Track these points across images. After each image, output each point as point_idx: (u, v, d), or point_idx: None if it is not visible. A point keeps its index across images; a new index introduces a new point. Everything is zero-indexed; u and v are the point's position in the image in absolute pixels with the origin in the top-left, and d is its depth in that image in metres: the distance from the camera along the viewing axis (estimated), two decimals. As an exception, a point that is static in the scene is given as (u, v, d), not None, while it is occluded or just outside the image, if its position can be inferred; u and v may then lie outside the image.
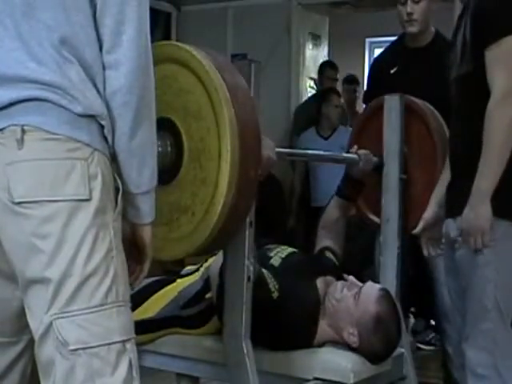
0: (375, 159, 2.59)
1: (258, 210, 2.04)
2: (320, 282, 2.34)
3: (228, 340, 2.07)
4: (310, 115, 5.63)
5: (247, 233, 2.03)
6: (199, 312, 2.33)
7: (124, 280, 1.50)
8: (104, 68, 1.48)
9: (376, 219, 2.70)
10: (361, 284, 2.30)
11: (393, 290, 2.52)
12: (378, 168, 2.60)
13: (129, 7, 1.47)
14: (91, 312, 1.43)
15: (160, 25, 6.03)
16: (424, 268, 3.10)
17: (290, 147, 5.36)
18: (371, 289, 2.29)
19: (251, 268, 2.03)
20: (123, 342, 1.46)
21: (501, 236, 2.15)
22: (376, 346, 2.23)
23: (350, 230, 2.74)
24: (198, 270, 2.42)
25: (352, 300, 2.25)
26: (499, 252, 2.17)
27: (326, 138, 5.41)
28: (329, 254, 2.58)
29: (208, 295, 2.31)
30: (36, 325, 1.45)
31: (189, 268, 2.47)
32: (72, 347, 1.42)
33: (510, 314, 2.23)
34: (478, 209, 2.13)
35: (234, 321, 2.04)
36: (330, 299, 2.29)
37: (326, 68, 6.11)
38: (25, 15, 1.45)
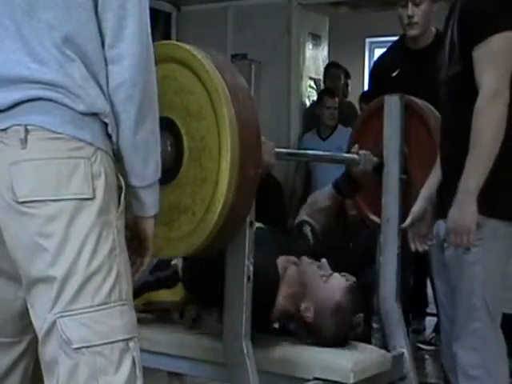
0: (375, 159, 2.59)
1: (258, 210, 2.04)
2: (282, 260, 2.35)
3: (228, 340, 2.07)
4: (312, 117, 5.69)
5: (247, 233, 2.03)
6: (166, 276, 2.38)
7: (127, 279, 1.50)
8: (106, 63, 1.49)
9: (376, 219, 2.70)
10: (331, 271, 2.32)
11: (393, 290, 2.52)
12: (378, 168, 2.60)
13: (130, 2, 1.47)
14: (94, 310, 1.43)
15: (160, 25, 6.02)
16: (424, 268, 3.10)
17: (298, 147, 5.40)
18: (341, 280, 2.31)
19: (251, 268, 2.04)
20: (126, 340, 1.47)
21: (489, 235, 2.15)
22: (325, 332, 2.25)
23: (352, 230, 2.74)
24: None
25: (320, 279, 2.28)
26: (487, 251, 2.17)
27: (324, 139, 5.44)
28: (306, 229, 2.58)
29: (173, 262, 2.36)
30: (40, 323, 1.46)
31: None
32: (75, 346, 1.42)
33: (498, 313, 2.23)
34: (465, 208, 2.13)
35: (234, 321, 2.04)
36: (295, 268, 2.31)
37: (331, 68, 6.15)
38: (26, 15, 1.45)
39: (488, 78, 2.10)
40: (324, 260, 2.35)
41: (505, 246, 2.21)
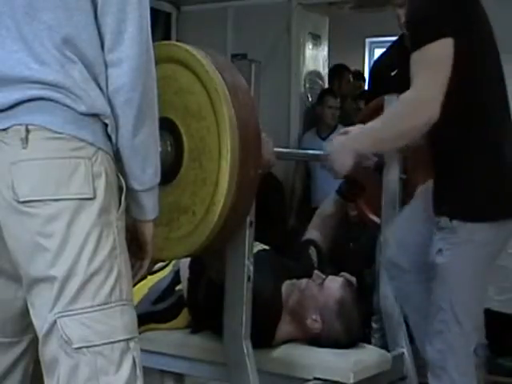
0: (375, 159, 2.59)
1: (258, 210, 2.04)
2: (287, 285, 2.35)
3: (228, 340, 2.07)
4: (313, 116, 5.69)
5: (247, 233, 2.03)
6: (170, 305, 2.38)
7: (128, 279, 1.51)
8: (106, 66, 1.49)
9: (376, 219, 2.70)
10: (324, 276, 2.34)
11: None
12: (378, 168, 2.60)
13: (129, 6, 1.48)
14: (95, 310, 1.44)
15: (160, 25, 6.01)
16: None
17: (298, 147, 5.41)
18: (335, 278, 2.34)
19: (251, 268, 2.04)
20: (127, 340, 1.47)
21: (463, 239, 2.13)
22: (338, 332, 2.26)
23: (352, 230, 2.75)
24: (167, 265, 2.44)
25: (316, 288, 2.29)
26: (459, 256, 2.15)
27: (323, 139, 5.44)
28: (312, 250, 2.60)
29: (178, 287, 2.36)
30: (40, 323, 1.46)
31: (160, 264, 2.48)
32: (76, 345, 1.43)
33: (469, 316, 2.20)
34: (345, 156, 2.20)
35: (234, 321, 2.05)
36: (294, 293, 2.32)
37: (343, 71, 6.18)
38: (26, 16, 1.45)
39: (422, 81, 2.09)
40: (316, 271, 2.37)
41: (478, 250, 2.17)
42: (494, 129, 2.17)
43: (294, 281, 2.37)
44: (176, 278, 2.39)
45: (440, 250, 2.16)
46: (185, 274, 2.35)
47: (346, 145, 2.23)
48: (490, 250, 2.21)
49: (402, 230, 2.38)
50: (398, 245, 2.37)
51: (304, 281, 2.34)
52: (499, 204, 2.15)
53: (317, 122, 5.58)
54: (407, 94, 2.11)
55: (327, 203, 2.77)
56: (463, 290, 2.19)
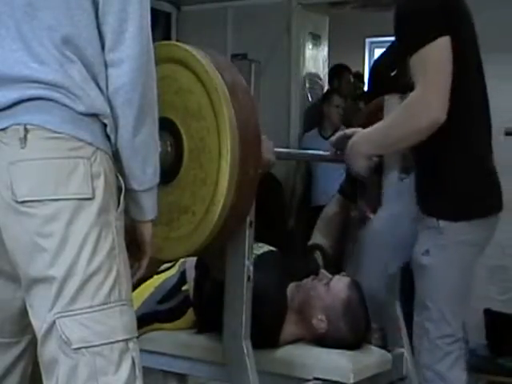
0: (375, 159, 2.59)
1: (258, 210, 2.04)
2: (292, 287, 2.34)
3: (228, 340, 2.07)
4: (315, 116, 5.69)
5: (247, 233, 2.03)
6: (176, 305, 2.37)
7: (127, 279, 1.51)
8: (106, 66, 1.49)
9: (376, 219, 2.70)
10: (331, 276, 2.33)
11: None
12: (378, 168, 2.60)
13: (130, 6, 1.48)
14: (94, 311, 1.44)
15: (160, 25, 6.01)
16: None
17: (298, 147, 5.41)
18: (342, 278, 2.32)
19: (251, 268, 2.04)
20: (126, 340, 1.47)
21: (451, 240, 2.14)
22: (344, 332, 2.24)
23: (351, 230, 2.74)
24: (174, 265, 2.44)
25: (323, 287, 2.28)
26: (448, 256, 2.16)
27: (326, 138, 5.43)
28: (317, 254, 2.59)
29: (184, 287, 2.35)
30: (39, 324, 1.46)
31: (166, 264, 2.48)
32: (75, 346, 1.43)
33: (456, 316, 2.20)
34: (359, 159, 2.28)
35: (234, 321, 2.04)
36: (300, 293, 2.31)
37: (344, 71, 6.20)
38: (26, 15, 1.45)
39: (425, 84, 2.08)
40: (322, 270, 2.36)
41: (464, 250, 2.19)
42: (477, 129, 2.19)
43: (300, 282, 2.36)
44: (182, 278, 2.38)
45: (427, 251, 2.17)
46: (191, 275, 2.34)
47: (355, 149, 2.28)
48: (476, 249, 2.23)
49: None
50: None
51: (310, 279, 2.33)
52: (483, 202, 2.17)
53: (319, 122, 5.58)
54: (410, 98, 2.11)
55: (329, 205, 2.76)
56: (450, 289, 2.19)
